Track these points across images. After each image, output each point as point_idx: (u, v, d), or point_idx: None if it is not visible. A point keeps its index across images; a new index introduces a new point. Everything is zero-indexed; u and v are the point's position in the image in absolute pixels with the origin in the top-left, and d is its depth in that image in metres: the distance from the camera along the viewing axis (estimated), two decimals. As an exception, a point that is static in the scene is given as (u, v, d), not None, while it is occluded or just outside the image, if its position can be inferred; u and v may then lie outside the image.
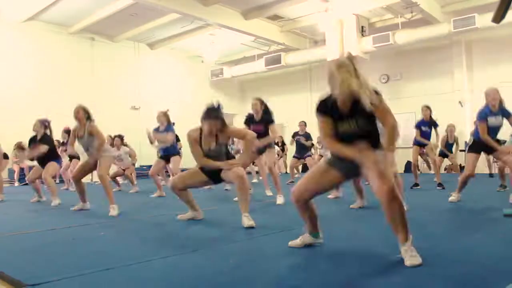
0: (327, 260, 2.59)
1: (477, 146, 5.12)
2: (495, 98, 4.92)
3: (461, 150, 11.39)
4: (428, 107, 7.48)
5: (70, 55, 13.20)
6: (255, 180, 10.18)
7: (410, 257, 2.33)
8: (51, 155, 6.39)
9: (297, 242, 2.85)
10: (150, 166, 13.74)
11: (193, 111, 11.33)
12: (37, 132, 6.45)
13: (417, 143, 7.50)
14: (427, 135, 7.46)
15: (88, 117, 5.24)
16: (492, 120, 4.97)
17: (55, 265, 2.53)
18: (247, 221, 3.71)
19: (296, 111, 14.14)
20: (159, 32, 13.92)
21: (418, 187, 7.29)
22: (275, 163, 6.28)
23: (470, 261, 2.45)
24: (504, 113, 4.99)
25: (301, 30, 14.29)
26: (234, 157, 4.19)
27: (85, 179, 5.51)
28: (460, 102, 12.80)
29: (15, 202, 6.83)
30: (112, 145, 9.15)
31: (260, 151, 5.97)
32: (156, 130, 7.06)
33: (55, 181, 11.52)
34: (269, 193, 6.74)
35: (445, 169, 11.95)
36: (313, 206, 2.79)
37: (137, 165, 13.37)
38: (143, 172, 13.68)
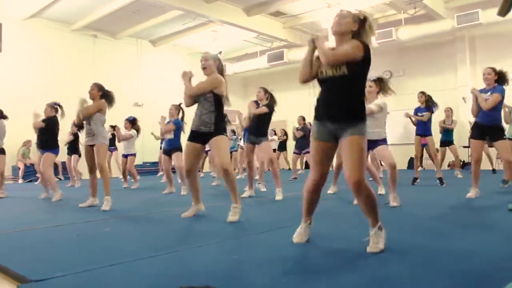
0: (330, 256, 2.59)
1: (478, 130, 5.16)
2: (487, 78, 5.17)
3: (464, 147, 11.40)
4: (423, 93, 7.57)
5: (72, 52, 13.22)
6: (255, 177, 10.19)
7: (372, 243, 2.58)
8: (50, 140, 6.47)
9: (301, 238, 2.86)
10: (153, 163, 13.95)
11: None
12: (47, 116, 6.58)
13: (418, 133, 7.51)
14: (424, 121, 7.46)
15: (103, 95, 5.27)
16: (485, 96, 5.10)
17: (60, 261, 2.55)
18: (230, 215, 3.91)
19: (298, 107, 14.11)
20: (161, 29, 13.91)
21: (417, 181, 7.27)
22: (275, 157, 6.28)
23: (473, 258, 2.44)
24: (495, 90, 5.08)
25: (303, 27, 14.24)
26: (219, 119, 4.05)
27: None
28: (463, 98, 12.72)
29: (20, 199, 6.86)
30: (113, 134, 9.33)
31: (253, 141, 6.02)
32: (168, 123, 7.25)
33: (60, 179, 11.69)
34: (263, 188, 6.80)
35: (449, 165, 11.92)
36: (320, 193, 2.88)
37: (140, 162, 13.43)
38: (145, 169, 13.74)
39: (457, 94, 12.87)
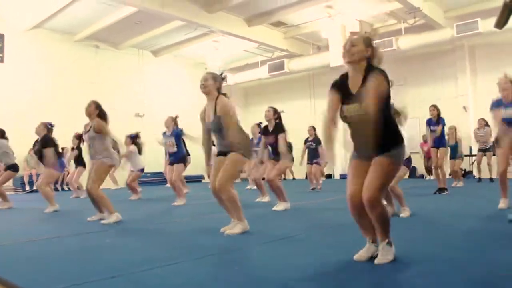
0: (334, 268, 2.58)
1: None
2: (505, 88, 4.75)
3: (466, 155, 11.39)
4: (435, 107, 7.57)
5: (74, 62, 13.30)
6: (249, 187, 10.17)
7: (381, 255, 2.57)
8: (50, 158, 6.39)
9: (362, 255, 2.64)
10: (155, 174, 13.93)
11: (196, 118, 11.35)
12: (39, 135, 6.52)
13: (433, 145, 7.54)
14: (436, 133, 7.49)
15: (100, 115, 5.19)
16: (504, 112, 4.73)
17: (60, 273, 2.54)
18: (229, 227, 3.80)
19: (298, 118, 14.15)
20: (163, 39, 14.00)
21: (446, 192, 7.22)
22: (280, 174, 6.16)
23: (476, 266, 2.43)
24: None
25: (304, 37, 14.33)
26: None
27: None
28: (464, 107, 12.77)
29: (21, 210, 6.85)
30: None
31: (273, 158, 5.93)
32: (164, 134, 7.22)
33: (63, 188, 11.67)
34: (265, 199, 6.74)
35: (450, 174, 11.89)
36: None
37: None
38: (147, 179, 13.71)
39: (458, 103, 12.88)
